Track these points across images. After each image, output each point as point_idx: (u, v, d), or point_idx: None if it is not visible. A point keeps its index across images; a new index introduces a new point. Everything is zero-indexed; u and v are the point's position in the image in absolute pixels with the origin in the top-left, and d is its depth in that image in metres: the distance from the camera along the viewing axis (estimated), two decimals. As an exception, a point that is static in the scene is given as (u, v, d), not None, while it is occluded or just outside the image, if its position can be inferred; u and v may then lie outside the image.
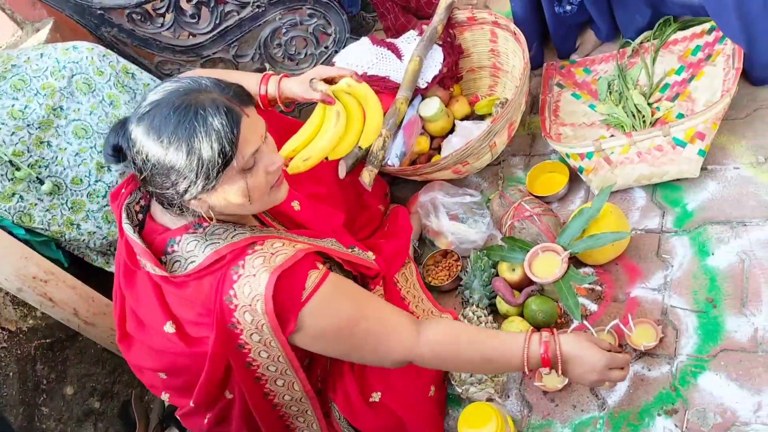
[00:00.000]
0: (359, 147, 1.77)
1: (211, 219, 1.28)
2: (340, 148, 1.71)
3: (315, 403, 1.53)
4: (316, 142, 1.66)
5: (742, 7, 1.62)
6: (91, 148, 2.01)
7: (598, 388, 1.50)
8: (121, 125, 1.26)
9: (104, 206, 2.04)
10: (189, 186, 1.20)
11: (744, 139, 1.72)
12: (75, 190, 2.00)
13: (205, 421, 1.54)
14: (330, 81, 1.63)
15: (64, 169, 1.98)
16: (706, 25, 1.86)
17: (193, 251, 1.28)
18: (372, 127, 1.73)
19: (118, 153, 1.28)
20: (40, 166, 1.95)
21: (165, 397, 1.55)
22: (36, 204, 1.93)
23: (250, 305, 1.24)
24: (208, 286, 1.26)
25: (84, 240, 2.03)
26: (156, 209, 1.36)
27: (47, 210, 1.95)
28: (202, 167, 1.18)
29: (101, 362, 2.13)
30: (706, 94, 1.76)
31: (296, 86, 1.60)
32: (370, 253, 1.64)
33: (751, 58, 1.70)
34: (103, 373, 2.13)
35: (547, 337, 1.34)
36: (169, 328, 1.33)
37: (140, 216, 1.38)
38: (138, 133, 1.20)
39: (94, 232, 2.04)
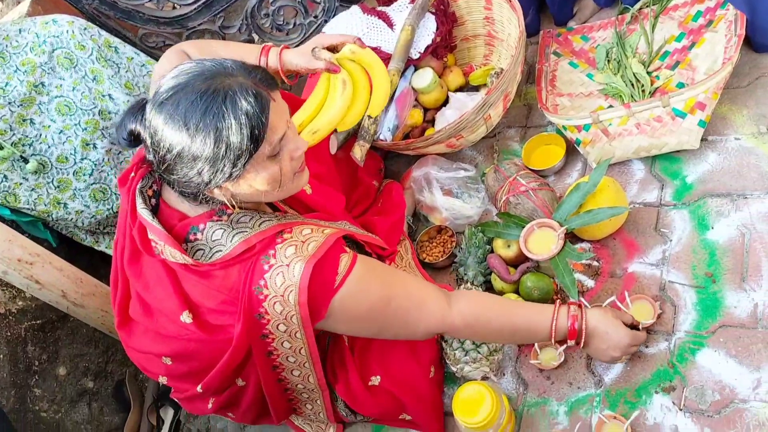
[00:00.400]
0: (368, 116, 1.71)
1: (234, 207, 1.24)
2: (349, 118, 1.66)
3: (326, 395, 1.53)
4: (324, 114, 1.60)
5: (745, -29, 1.56)
6: (76, 125, 1.96)
7: (612, 363, 1.48)
8: (139, 109, 1.19)
9: (91, 184, 2.00)
10: (214, 175, 1.14)
11: (745, 109, 1.67)
12: (61, 169, 1.96)
13: (210, 405, 1.53)
14: (332, 49, 1.57)
15: (49, 147, 1.94)
16: (708, -10, 1.80)
17: (219, 240, 1.24)
18: (380, 94, 1.67)
19: (135, 138, 1.21)
20: (23, 145, 1.91)
21: (162, 380, 1.53)
22: (21, 183, 1.89)
23: (282, 296, 1.22)
24: (236, 276, 1.23)
25: (72, 219, 1.99)
26: (170, 196, 1.30)
27: (33, 189, 1.91)
28: (230, 155, 1.12)
29: (94, 342, 2.11)
30: (707, 61, 1.71)
31: (298, 57, 1.53)
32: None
33: (753, 24, 1.64)
34: (96, 353, 2.12)
35: (575, 311, 1.38)
36: (186, 317, 1.29)
37: (153, 201, 1.33)
38: (160, 120, 1.13)
39: (82, 211, 2.00)
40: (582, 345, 1.39)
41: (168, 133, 1.12)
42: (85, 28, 1.97)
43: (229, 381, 1.46)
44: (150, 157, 1.21)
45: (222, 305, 1.27)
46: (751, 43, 1.72)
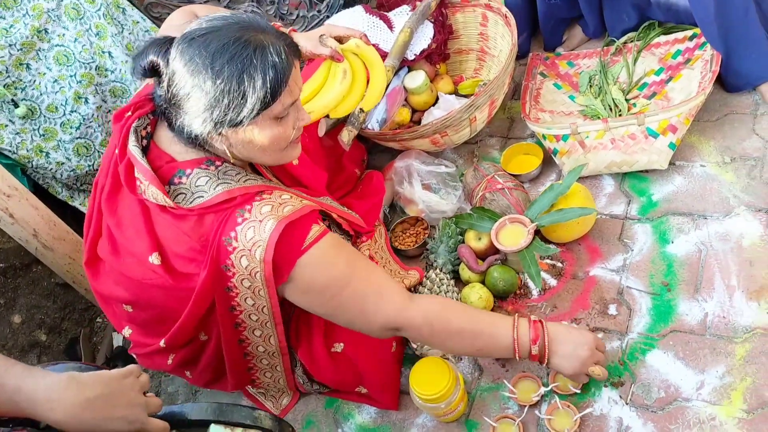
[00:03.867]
0: (360, 109, 1.78)
1: (229, 159, 1.29)
2: (342, 107, 1.73)
3: (286, 359, 1.54)
4: (320, 98, 1.68)
5: (724, 14, 1.69)
6: (71, 76, 1.98)
7: (586, 378, 1.43)
8: (166, 41, 1.22)
9: (76, 138, 2.01)
10: (223, 118, 1.19)
11: (713, 140, 1.78)
12: (49, 118, 1.97)
13: (169, 361, 1.53)
14: (339, 40, 1.66)
15: (41, 94, 1.95)
16: (689, 32, 1.93)
17: (203, 187, 1.27)
18: (375, 90, 1.75)
19: (152, 70, 1.24)
20: (16, 88, 1.92)
21: (127, 332, 1.52)
22: (7, 126, 1.90)
23: (250, 250, 1.25)
24: (209, 224, 1.26)
25: (51, 170, 1.99)
26: (164, 137, 1.33)
27: (17, 133, 1.92)
28: (245, 102, 1.18)
29: (53, 297, 2.09)
30: (682, 94, 1.83)
31: (305, 41, 1.61)
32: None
33: (727, 65, 1.77)
34: (53, 308, 2.09)
35: (535, 317, 1.41)
36: (155, 259, 1.31)
37: (144, 142, 1.36)
38: (186, 55, 1.17)
39: (63, 163, 2.00)
40: (547, 353, 1.37)
41: (191, 69, 1.17)
42: (96, -17, 2.02)
43: (192, 334, 1.47)
44: (161, 91, 1.24)
45: (190, 252, 1.29)
46: (723, 83, 1.85)
